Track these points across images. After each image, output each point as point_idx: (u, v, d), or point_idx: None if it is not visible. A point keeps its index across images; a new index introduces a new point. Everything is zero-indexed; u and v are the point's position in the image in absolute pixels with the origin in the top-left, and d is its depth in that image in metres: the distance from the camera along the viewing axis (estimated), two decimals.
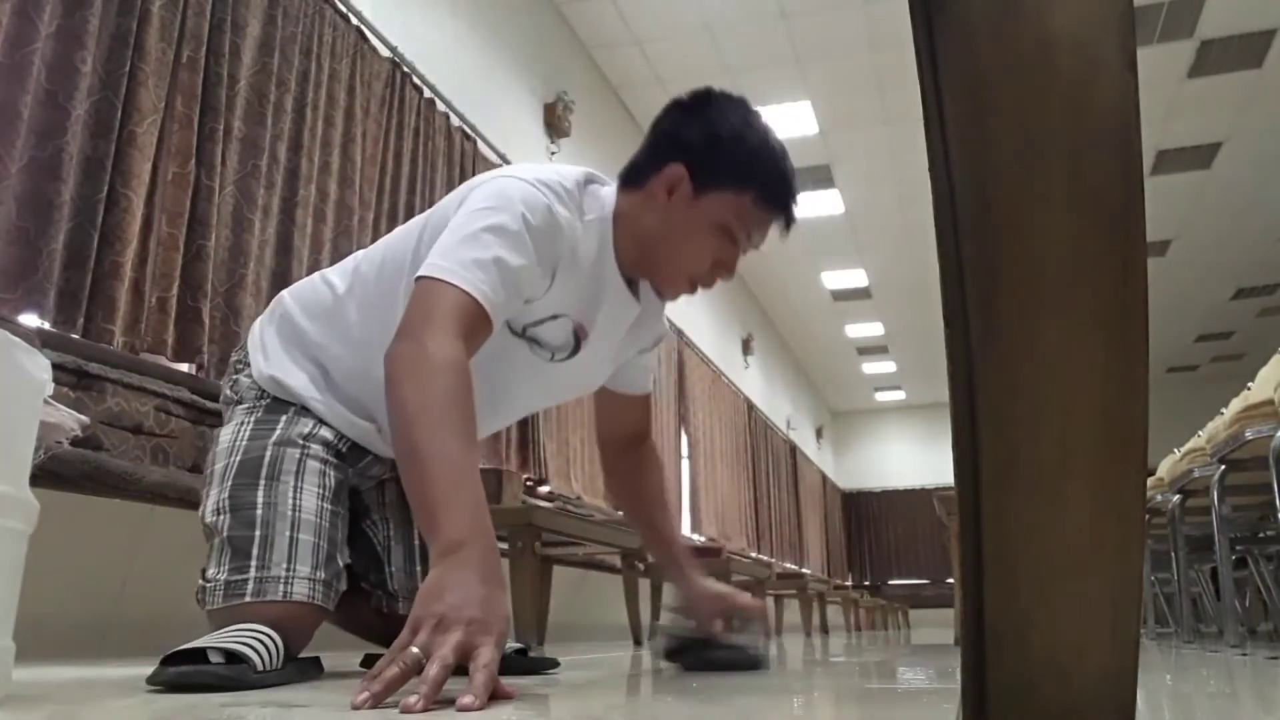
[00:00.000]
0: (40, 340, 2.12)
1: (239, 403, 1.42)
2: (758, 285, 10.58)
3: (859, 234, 9.17)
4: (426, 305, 1.13)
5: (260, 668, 1.05)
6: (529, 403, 1.52)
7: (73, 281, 2.44)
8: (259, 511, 1.25)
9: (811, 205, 8.44)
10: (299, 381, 1.39)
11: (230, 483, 1.29)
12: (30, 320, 2.35)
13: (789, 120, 7.15)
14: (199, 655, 1.03)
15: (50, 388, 0.93)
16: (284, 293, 1.52)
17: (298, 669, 1.18)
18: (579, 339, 1.37)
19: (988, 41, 0.49)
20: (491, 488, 3.44)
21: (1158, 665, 2.03)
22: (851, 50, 6.36)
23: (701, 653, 1.50)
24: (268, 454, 1.31)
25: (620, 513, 1.82)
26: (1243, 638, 3.22)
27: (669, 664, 1.55)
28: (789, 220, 1.38)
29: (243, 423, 1.37)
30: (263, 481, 1.28)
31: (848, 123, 7.24)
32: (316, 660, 1.26)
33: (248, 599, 1.19)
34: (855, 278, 10.38)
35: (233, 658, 1.04)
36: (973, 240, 0.50)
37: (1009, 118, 0.49)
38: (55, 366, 1.27)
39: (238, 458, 1.31)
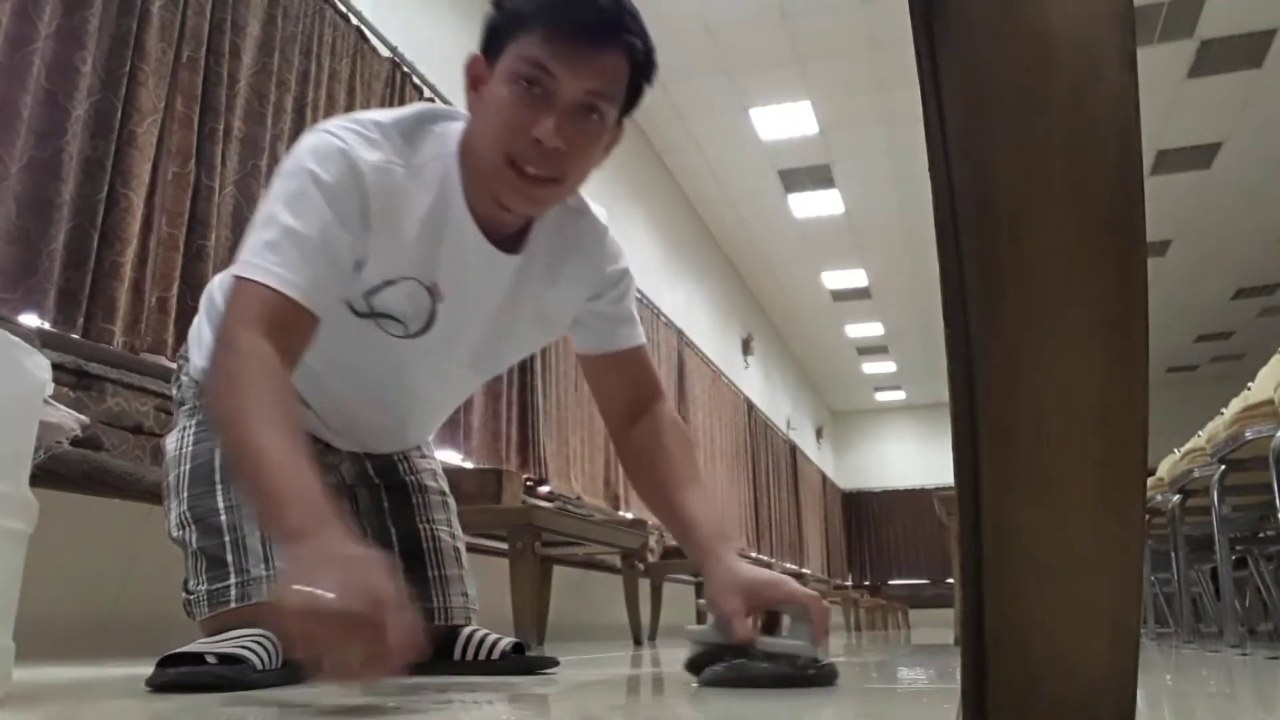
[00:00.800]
0: (40, 340, 2.12)
1: (181, 404, 1.40)
2: (758, 285, 10.58)
3: (859, 234, 9.16)
4: (233, 308, 1.05)
5: (259, 668, 1.05)
6: (442, 392, 1.39)
7: (73, 281, 2.44)
8: (223, 517, 1.23)
9: (811, 205, 8.41)
10: None
11: (187, 494, 1.27)
12: (30, 320, 2.35)
13: (789, 120, 7.15)
14: (197, 657, 1.03)
15: (50, 388, 0.93)
16: (212, 280, 1.45)
17: (297, 669, 1.18)
18: (434, 301, 1.19)
19: (988, 41, 0.49)
20: (491, 488, 3.43)
21: (1158, 665, 2.02)
22: (851, 50, 6.35)
23: (735, 664, 1.10)
24: (216, 457, 1.28)
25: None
26: (1243, 638, 3.22)
27: (694, 678, 1.14)
28: (595, 36, 1.09)
29: (185, 427, 1.34)
30: (219, 486, 1.26)
31: (848, 123, 7.23)
32: None
33: (233, 605, 1.18)
34: (855, 278, 10.38)
35: (231, 659, 1.03)
36: (973, 240, 0.50)
37: (1009, 118, 0.49)
38: (55, 366, 1.26)
39: (187, 466, 1.29)
